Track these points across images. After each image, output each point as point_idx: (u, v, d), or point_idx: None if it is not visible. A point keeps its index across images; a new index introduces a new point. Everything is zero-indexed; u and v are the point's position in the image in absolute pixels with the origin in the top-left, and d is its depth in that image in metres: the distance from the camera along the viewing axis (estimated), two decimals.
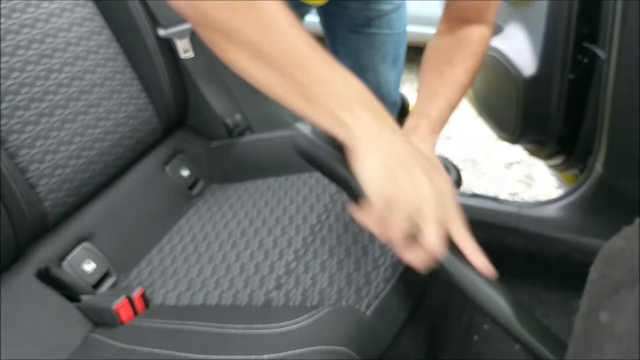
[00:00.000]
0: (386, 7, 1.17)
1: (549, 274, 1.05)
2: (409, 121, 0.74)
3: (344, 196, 0.88)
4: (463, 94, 0.81)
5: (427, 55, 0.86)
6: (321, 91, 0.50)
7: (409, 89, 2.34)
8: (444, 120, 0.77)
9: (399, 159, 0.49)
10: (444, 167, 0.64)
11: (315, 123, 0.52)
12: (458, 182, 0.82)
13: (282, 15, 0.51)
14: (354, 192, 0.54)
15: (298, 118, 1.21)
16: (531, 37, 1.04)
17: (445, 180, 0.52)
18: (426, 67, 0.83)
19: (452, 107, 0.78)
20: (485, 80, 1.15)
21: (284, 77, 0.51)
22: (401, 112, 1.52)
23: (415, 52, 2.65)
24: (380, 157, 0.49)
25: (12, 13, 0.83)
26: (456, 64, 0.80)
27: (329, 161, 0.56)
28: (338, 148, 0.54)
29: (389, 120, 0.51)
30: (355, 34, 1.18)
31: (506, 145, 1.62)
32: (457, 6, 0.85)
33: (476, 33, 0.83)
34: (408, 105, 1.67)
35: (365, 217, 0.51)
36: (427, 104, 0.76)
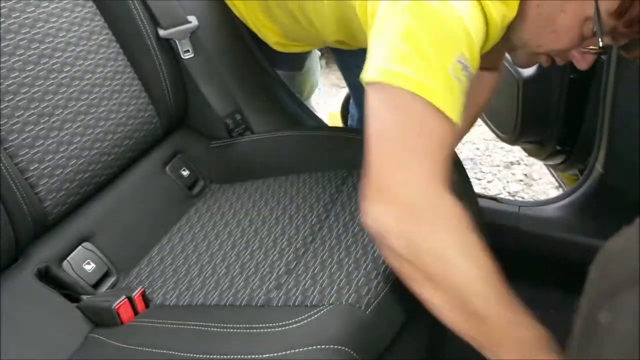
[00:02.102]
0: None
1: (548, 274, 1.05)
2: None
3: (344, 196, 0.88)
4: (471, 126, 0.91)
5: None
6: (502, 345, 0.57)
7: None
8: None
9: None
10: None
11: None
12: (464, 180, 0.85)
13: (494, 273, 0.57)
14: None
15: (298, 118, 1.21)
16: None
17: None
18: None
19: (460, 139, 0.91)
20: None
21: (477, 324, 0.57)
22: None
23: None
24: None
25: (12, 13, 0.83)
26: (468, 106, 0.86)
27: None
28: None
29: None
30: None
31: (506, 145, 1.62)
32: None
33: (488, 78, 0.90)
34: None
35: None
36: None
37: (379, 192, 0.59)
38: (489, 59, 0.86)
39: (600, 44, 0.63)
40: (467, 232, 0.58)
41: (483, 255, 0.57)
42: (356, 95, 1.26)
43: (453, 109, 0.59)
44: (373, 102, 0.61)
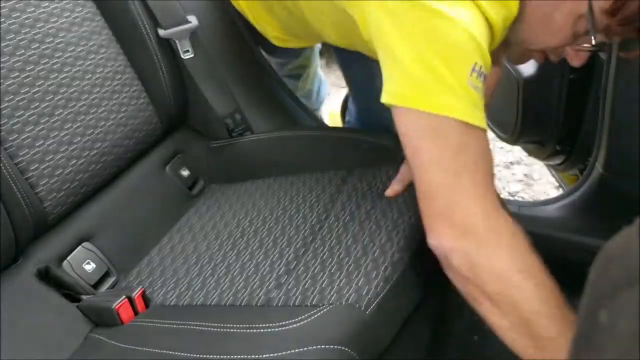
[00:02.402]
0: None
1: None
2: None
3: (344, 196, 0.88)
4: None
5: None
6: None
7: None
8: None
9: None
10: None
11: None
12: None
13: (554, 293, 0.59)
14: None
15: (298, 118, 1.20)
16: None
17: None
18: None
19: None
20: None
21: (538, 345, 0.58)
22: None
23: None
24: None
25: (12, 13, 0.83)
26: None
27: None
28: None
29: None
30: (372, 61, 1.16)
31: (506, 145, 1.62)
32: None
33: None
34: None
35: None
36: None
37: (438, 217, 0.62)
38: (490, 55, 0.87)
39: (593, 42, 0.63)
40: (525, 251, 0.60)
41: (542, 274, 0.59)
42: (354, 91, 1.26)
43: (480, 118, 0.60)
44: (403, 128, 0.63)
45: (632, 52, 0.69)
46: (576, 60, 0.69)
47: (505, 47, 0.73)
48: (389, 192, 0.84)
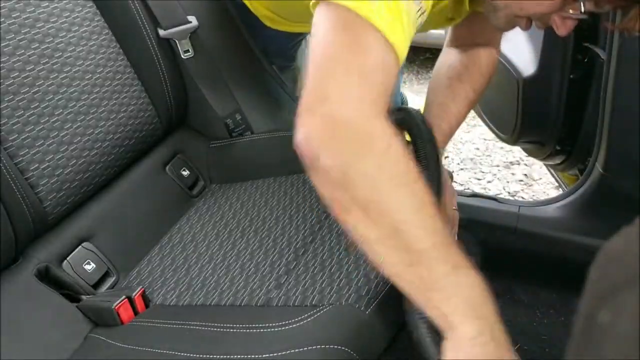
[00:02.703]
0: None
1: (548, 274, 1.05)
2: None
3: None
4: (470, 109, 0.87)
5: (437, 72, 0.90)
6: (436, 289, 0.52)
7: (408, 89, 2.34)
8: (452, 133, 0.84)
9: None
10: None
11: (420, 306, 0.54)
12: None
13: (429, 204, 0.53)
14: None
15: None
16: (531, 37, 1.04)
17: None
18: (436, 83, 0.88)
19: (460, 122, 0.85)
20: None
21: (410, 260, 0.53)
22: None
23: (415, 53, 2.65)
24: None
25: (12, 13, 0.83)
26: (465, 81, 0.85)
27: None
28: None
29: (494, 327, 0.53)
30: None
31: (506, 145, 1.62)
32: (465, 32, 0.87)
33: (484, 55, 0.88)
34: (406, 103, 1.66)
35: None
36: (438, 118, 0.82)
37: (314, 108, 0.56)
38: (481, 31, 0.85)
39: (582, 9, 0.61)
40: (403, 158, 0.54)
41: (418, 184, 0.54)
42: None
43: (397, 39, 0.56)
44: (318, 19, 0.58)
45: (629, 24, 0.67)
46: (563, 28, 0.67)
47: (491, 11, 0.71)
48: None
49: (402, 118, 0.71)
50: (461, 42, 0.89)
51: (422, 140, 0.70)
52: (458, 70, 0.86)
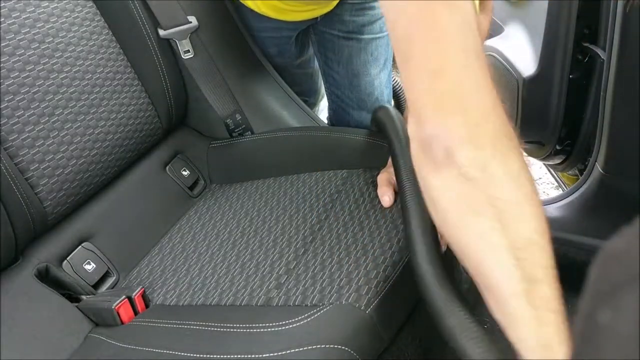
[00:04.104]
0: (379, 10, 1.13)
1: None
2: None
3: (344, 196, 0.88)
4: None
5: None
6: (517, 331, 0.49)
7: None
8: None
9: None
10: None
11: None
12: None
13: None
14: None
15: (298, 118, 1.20)
16: (531, 37, 1.04)
17: None
18: None
19: None
20: None
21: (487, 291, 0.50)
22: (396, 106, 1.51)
23: None
24: None
25: (12, 13, 0.83)
26: None
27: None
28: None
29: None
30: (347, 40, 1.15)
31: None
32: None
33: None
34: (404, 100, 1.66)
35: None
36: None
37: (449, 100, 0.50)
38: None
39: None
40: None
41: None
42: (330, 91, 1.25)
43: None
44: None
45: None
46: None
47: None
48: (385, 202, 0.81)
49: (379, 117, 0.69)
50: None
51: (399, 142, 0.68)
52: None
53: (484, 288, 0.51)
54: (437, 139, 0.50)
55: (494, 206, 0.48)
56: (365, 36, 1.15)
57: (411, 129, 0.53)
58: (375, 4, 1.12)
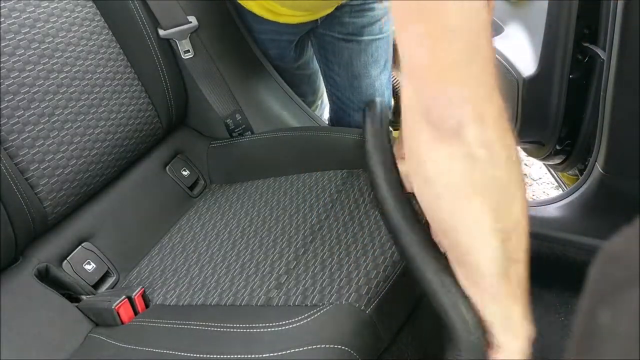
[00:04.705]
0: (378, 12, 1.13)
1: (548, 274, 1.05)
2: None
3: (344, 196, 0.88)
4: None
5: None
6: (498, 314, 0.52)
7: None
8: None
9: None
10: None
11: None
12: None
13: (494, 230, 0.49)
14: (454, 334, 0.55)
15: (298, 118, 1.20)
16: (531, 37, 1.04)
17: None
18: None
19: None
20: None
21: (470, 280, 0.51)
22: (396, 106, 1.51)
23: None
24: None
25: (12, 13, 0.83)
26: None
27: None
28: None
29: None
30: (347, 42, 1.15)
31: None
32: None
33: None
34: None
35: None
36: None
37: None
38: None
39: None
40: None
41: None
42: (331, 92, 1.25)
43: None
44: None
45: None
46: None
47: None
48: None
49: (364, 111, 0.66)
50: None
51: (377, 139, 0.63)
52: None
53: (458, 263, 0.52)
54: (442, 107, 0.47)
55: (493, 187, 0.48)
56: (365, 37, 1.14)
57: (409, 96, 0.49)
58: (375, 5, 1.12)
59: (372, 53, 1.17)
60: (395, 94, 1.54)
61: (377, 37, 1.16)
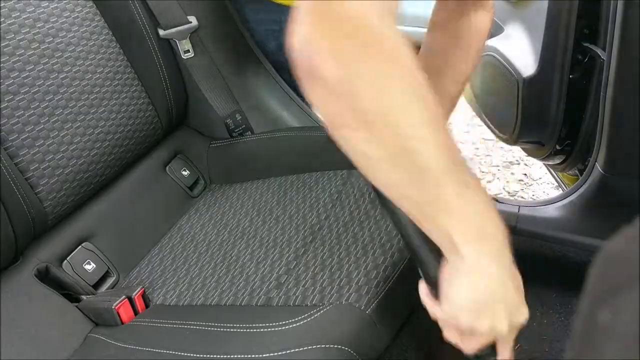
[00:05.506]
0: None
1: (548, 274, 1.05)
2: None
3: (344, 196, 0.88)
4: (454, 103, 0.79)
5: (420, 59, 0.84)
6: (445, 210, 0.48)
7: None
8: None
9: (488, 297, 0.51)
10: None
11: (424, 228, 0.51)
12: None
13: (440, 118, 0.47)
14: (428, 275, 0.56)
15: (298, 118, 1.20)
16: (531, 37, 1.03)
17: (523, 313, 0.54)
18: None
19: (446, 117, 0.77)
20: (484, 80, 1.15)
21: (419, 179, 0.48)
22: None
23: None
24: (473, 290, 0.51)
25: (12, 13, 0.83)
26: (443, 74, 0.78)
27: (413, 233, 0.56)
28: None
29: (500, 250, 0.51)
30: None
31: (506, 145, 1.63)
32: None
33: (472, 27, 0.78)
34: None
35: (432, 307, 0.56)
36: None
37: (316, 4, 0.45)
38: None
39: None
40: (416, 69, 0.46)
41: (430, 96, 0.47)
42: None
43: None
44: None
45: None
46: None
47: None
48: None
49: None
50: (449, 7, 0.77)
51: None
52: (437, 60, 0.77)
53: (399, 197, 0.51)
54: (301, 50, 0.45)
55: (360, 118, 0.47)
56: None
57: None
58: None
59: None
60: None
61: None
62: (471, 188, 0.49)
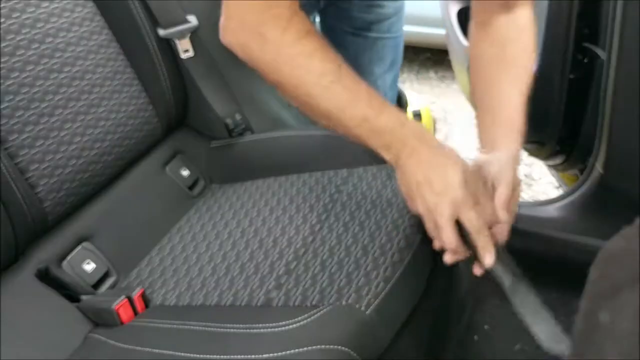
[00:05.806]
0: (388, 10, 1.15)
1: (548, 274, 1.05)
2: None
3: (344, 196, 0.88)
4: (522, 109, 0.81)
5: (474, 72, 0.84)
6: (360, 136, 0.68)
7: (409, 88, 2.34)
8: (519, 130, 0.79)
9: (411, 184, 0.65)
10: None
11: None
12: None
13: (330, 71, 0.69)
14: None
15: (298, 118, 1.20)
16: None
17: (458, 187, 0.63)
18: (476, 87, 0.83)
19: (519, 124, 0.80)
20: None
21: (329, 122, 0.68)
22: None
23: (415, 52, 2.66)
24: (402, 185, 0.68)
25: (12, 13, 0.83)
26: (504, 81, 0.81)
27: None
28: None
29: (416, 146, 0.65)
30: (355, 37, 1.16)
31: None
32: None
33: (522, 18, 0.80)
34: (406, 102, 1.66)
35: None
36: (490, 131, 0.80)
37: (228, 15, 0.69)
38: None
39: None
40: (300, 36, 0.67)
41: (317, 62, 0.67)
42: None
43: None
44: None
45: None
46: None
47: None
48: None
49: None
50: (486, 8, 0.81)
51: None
52: (493, 72, 0.81)
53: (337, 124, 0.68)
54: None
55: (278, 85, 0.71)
56: (373, 34, 1.15)
57: None
58: (385, 3, 1.13)
59: (378, 51, 1.18)
60: (400, 97, 1.54)
61: (385, 35, 1.16)
62: (374, 111, 0.65)
